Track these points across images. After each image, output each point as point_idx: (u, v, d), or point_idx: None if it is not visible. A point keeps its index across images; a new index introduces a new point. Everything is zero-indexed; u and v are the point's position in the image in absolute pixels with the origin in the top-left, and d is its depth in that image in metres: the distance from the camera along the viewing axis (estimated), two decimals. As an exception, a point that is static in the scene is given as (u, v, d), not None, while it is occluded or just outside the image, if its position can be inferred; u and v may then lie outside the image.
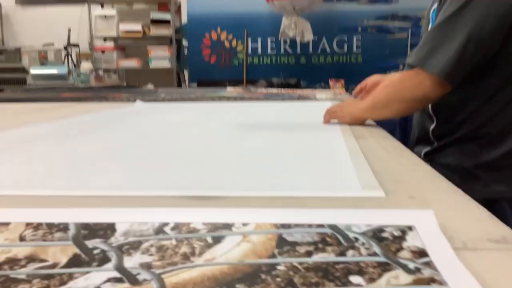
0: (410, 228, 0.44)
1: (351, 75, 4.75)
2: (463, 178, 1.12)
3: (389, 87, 1.14)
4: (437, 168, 0.68)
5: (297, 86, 5.02)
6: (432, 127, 1.25)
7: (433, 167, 0.72)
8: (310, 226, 0.44)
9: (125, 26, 5.43)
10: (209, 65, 5.17)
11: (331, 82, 4.30)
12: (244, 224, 0.45)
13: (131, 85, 4.22)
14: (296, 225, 0.45)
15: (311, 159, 0.77)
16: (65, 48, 5.23)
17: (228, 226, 0.45)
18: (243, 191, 0.56)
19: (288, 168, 0.70)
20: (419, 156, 1.16)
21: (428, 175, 0.65)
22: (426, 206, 0.51)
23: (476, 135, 1.18)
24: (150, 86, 4.01)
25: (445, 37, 1.07)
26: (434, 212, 0.45)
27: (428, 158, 1.24)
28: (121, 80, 5.13)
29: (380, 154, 0.79)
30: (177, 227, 0.44)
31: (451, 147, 1.22)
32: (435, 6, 1.22)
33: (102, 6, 5.73)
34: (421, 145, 1.30)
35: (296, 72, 5.12)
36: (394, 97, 1.12)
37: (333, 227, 0.44)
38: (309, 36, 4.56)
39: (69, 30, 5.47)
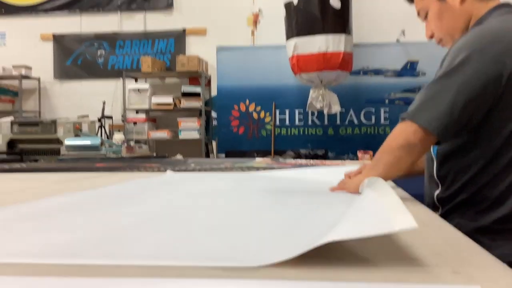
0: (457, 304, 0.42)
1: (378, 147, 4.75)
2: None
3: (388, 137, 1.17)
4: None
5: (324, 157, 5.03)
6: (437, 192, 1.27)
7: None
8: (351, 300, 0.43)
9: (157, 99, 5.63)
10: (237, 136, 5.26)
11: (359, 154, 4.30)
12: (283, 297, 0.44)
13: (161, 156, 4.30)
14: (337, 299, 0.43)
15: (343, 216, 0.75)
16: (99, 120, 5.41)
17: (266, 299, 0.43)
18: (278, 258, 0.55)
19: (320, 228, 0.69)
20: None
21: (470, 248, 0.63)
22: (472, 281, 0.49)
23: (476, 199, 1.19)
24: (179, 157, 4.08)
25: (435, 94, 1.12)
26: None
27: None
28: (151, 150, 5.24)
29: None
30: (214, 299, 0.43)
31: (454, 213, 1.23)
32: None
33: (136, 80, 5.98)
34: None
35: (323, 143, 5.15)
36: (383, 149, 1.15)
37: (376, 302, 0.42)
38: (336, 108, 4.63)
39: (104, 103, 5.70)
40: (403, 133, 1.12)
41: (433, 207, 1.29)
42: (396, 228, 0.53)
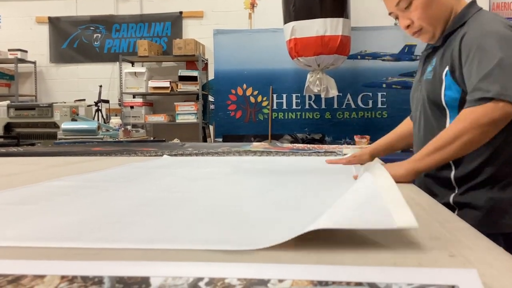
0: (453, 287, 0.42)
1: (376, 131, 4.74)
2: (490, 213, 1.27)
3: (460, 120, 1.18)
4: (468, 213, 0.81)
5: (321, 141, 5.03)
6: (452, 174, 1.33)
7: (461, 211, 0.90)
8: (348, 284, 0.43)
9: (154, 83, 5.60)
10: (234, 120, 5.25)
11: (356, 138, 4.30)
12: (280, 281, 0.44)
13: (158, 139, 4.29)
14: (334, 283, 0.43)
15: (342, 204, 0.76)
16: (96, 104, 5.39)
17: (263, 282, 0.44)
18: (276, 242, 0.55)
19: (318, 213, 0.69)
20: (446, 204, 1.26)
21: (466, 232, 0.63)
22: (468, 264, 0.49)
23: (498, 176, 1.28)
24: (176, 141, 4.07)
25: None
26: (477, 271, 0.44)
27: (456, 204, 1.33)
28: (148, 134, 5.23)
29: (415, 210, 0.77)
30: (212, 282, 0.44)
31: (476, 190, 1.30)
32: (446, 69, 1.32)
33: (132, 64, 5.94)
34: (440, 194, 1.35)
35: (320, 127, 5.15)
36: (468, 125, 1.16)
37: (373, 285, 0.42)
38: (334, 92, 4.61)
39: (100, 87, 5.66)
40: (498, 110, 1.15)
41: (448, 187, 1.35)
42: (396, 225, 0.54)
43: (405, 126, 1.63)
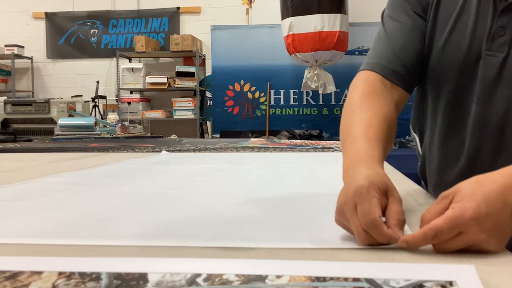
0: (451, 283, 0.42)
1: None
2: None
3: None
4: None
5: (319, 137, 5.03)
6: None
7: None
8: (346, 279, 0.43)
9: (151, 79, 5.59)
10: (232, 116, 5.24)
11: (354, 134, 4.29)
12: (278, 276, 0.44)
13: (155, 135, 4.29)
14: (331, 278, 0.44)
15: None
16: (93, 99, 5.38)
17: (261, 278, 0.44)
18: (275, 243, 0.55)
19: (314, 220, 0.69)
20: None
21: (463, 228, 0.63)
22: (465, 260, 0.49)
23: None
24: (173, 137, 4.07)
25: None
26: (474, 267, 0.44)
27: None
28: (145, 130, 5.22)
29: (412, 206, 0.77)
30: (209, 278, 0.44)
31: None
32: None
33: (129, 60, 5.93)
34: None
35: (318, 123, 5.14)
36: None
37: (371, 281, 0.43)
38: (331, 88, 4.61)
39: (97, 83, 5.65)
40: None
41: None
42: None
43: (381, 104, 0.86)
